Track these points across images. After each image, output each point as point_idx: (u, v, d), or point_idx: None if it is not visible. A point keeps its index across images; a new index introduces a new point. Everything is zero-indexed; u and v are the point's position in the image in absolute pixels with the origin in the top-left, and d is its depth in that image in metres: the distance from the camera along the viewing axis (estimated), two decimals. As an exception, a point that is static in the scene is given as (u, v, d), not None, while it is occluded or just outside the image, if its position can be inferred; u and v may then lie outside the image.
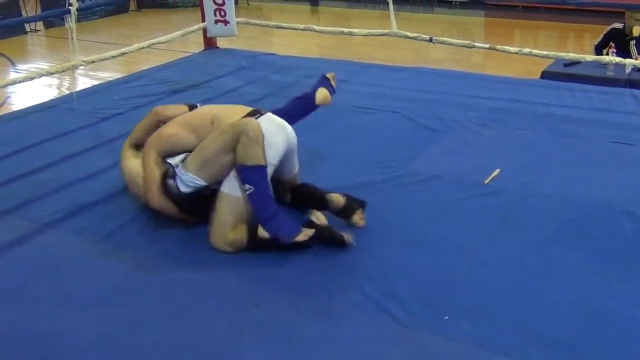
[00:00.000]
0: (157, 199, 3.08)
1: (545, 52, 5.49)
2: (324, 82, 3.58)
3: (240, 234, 2.95)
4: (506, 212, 3.26)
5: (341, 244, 2.95)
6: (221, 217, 2.96)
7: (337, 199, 3.17)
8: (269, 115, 3.18)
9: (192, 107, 3.45)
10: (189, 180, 3.01)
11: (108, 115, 4.75)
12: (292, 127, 3.23)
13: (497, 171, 3.65)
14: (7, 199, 3.54)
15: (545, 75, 6.16)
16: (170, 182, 3.04)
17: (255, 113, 3.17)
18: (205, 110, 3.37)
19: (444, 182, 3.58)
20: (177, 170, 3.05)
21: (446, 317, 2.51)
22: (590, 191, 3.46)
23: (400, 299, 2.60)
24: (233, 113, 3.21)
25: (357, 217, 3.16)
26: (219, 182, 2.99)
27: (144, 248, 3.05)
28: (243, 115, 3.16)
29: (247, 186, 2.88)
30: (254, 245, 2.94)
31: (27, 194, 3.58)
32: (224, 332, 2.50)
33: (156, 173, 3.08)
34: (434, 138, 4.21)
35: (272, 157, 3.02)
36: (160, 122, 3.37)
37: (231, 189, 2.95)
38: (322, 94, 3.51)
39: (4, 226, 3.29)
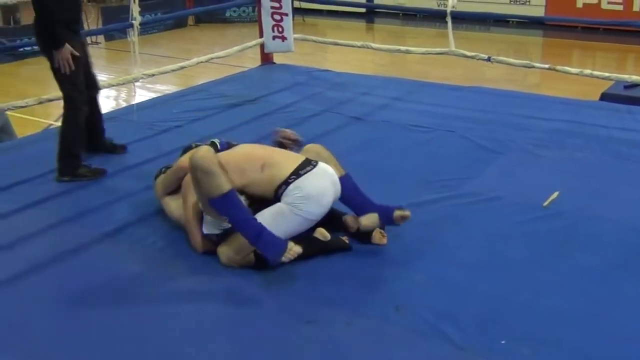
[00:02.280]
0: (199, 246, 3.10)
1: (606, 74, 5.39)
2: (386, 211, 3.15)
3: (249, 257, 2.96)
4: (566, 236, 3.20)
5: (345, 249, 3.08)
6: (243, 244, 2.92)
7: (354, 220, 3.16)
8: (321, 167, 3.06)
9: (212, 144, 3.28)
10: (211, 222, 3.01)
11: (167, 128, 4.83)
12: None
13: (556, 194, 3.58)
14: (68, 207, 3.63)
15: (604, 97, 6.03)
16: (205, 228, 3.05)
17: (308, 164, 3.05)
18: (256, 154, 3.15)
19: (501, 203, 3.54)
20: (204, 216, 3.06)
21: (503, 342, 2.46)
22: (653, 216, 3.37)
23: (457, 321, 2.57)
24: (284, 159, 3.08)
25: (379, 235, 3.14)
26: None
27: (198, 261, 3.07)
28: (296, 164, 3.02)
29: (224, 217, 2.87)
30: (261, 267, 2.96)
31: (87, 203, 3.66)
32: (273, 346, 2.50)
33: (196, 222, 3.09)
34: (491, 158, 4.17)
35: (318, 214, 3.01)
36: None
37: (268, 225, 2.90)
38: (371, 219, 3.13)
39: (63, 234, 3.37)
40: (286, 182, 2.96)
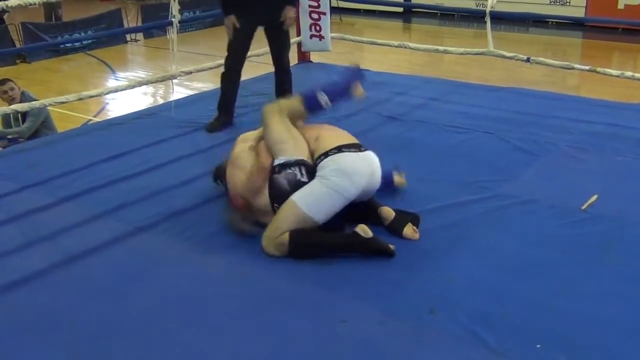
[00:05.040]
0: (257, 180, 3.16)
1: (648, 77, 5.29)
2: (357, 74, 3.54)
3: (284, 238, 2.99)
4: (604, 240, 3.15)
5: (388, 254, 3.00)
6: (280, 222, 3.01)
7: (388, 212, 3.20)
8: (367, 154, 3.20)
9: None
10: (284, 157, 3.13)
11: (203, 125, 4.86)
12: (379, 145, 3.29)
13: (594, 197, 3.52)
14: (105, 201, 3.67)
15: (646, 100, 5.94)
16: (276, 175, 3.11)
17: (354, 146, 3.18)
18: (312, 133, 3.31)
19: (538, 206, 3.49)
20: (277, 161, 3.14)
21: (538, 346, 2.43)
22: (695, 223, 3.30)
23: (491, 324, 2.54)
24: (335, 136, 3.26)
25: (410, 230, 3.17)
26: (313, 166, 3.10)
27: (233, 257, 3.09)
28: (343, 142, 3.18)
29: (326, 103, 3.27)
30: (295, 252, 2.99)
31: (124, 197, 3.70)
32: (306, 344, 2.50)
33: (268, 160, 3.19)
34: (529, 161, 4.12)
35: (348, 190, 3.04)
36: None
37: (301, 200, 2.99)
38: (358, 89, 3.47)
39: (100, 227, 3.41)
40: (326, 154, 3.08)
